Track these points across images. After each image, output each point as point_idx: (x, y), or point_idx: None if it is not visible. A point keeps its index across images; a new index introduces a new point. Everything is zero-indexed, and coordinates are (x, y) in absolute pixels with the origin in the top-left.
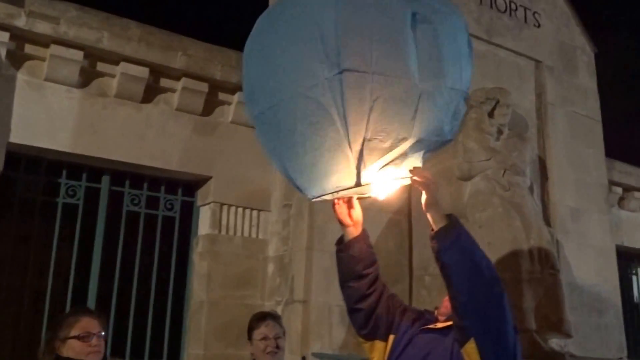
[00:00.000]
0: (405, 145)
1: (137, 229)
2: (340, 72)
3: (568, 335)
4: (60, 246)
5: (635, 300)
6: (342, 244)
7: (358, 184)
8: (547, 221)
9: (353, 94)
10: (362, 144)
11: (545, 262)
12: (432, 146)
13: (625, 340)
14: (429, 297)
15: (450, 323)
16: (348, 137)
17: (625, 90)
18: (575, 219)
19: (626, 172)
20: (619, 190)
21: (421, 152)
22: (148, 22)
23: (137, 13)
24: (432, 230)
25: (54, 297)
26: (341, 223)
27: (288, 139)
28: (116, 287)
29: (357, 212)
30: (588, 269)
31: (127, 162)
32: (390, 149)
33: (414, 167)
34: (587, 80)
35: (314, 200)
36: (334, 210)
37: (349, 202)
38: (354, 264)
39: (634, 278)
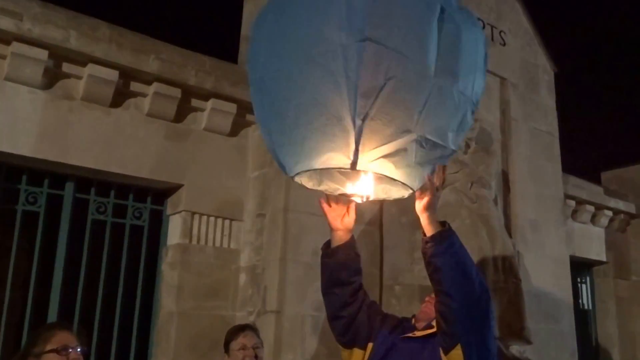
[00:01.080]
0: (407, 139)
1: (103, 239)
2: (363, 40)
3: (528, 342)
4: (19, 256)
5: (583, 307)
6: (328, 249)
7: (354, 163)
8: (509, 232)
9: (369, 65)
10: (364, 119)
11: (509, 271)
12: (433, 158)
13: (577, 346)
14: (399, 306)
15: (429, 332)
16: (355, 108)
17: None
18: (535, 230)
19: (579, 186)
20: (572, 203)
21: (422, 166)
22: (119, 24)
23: (107, 13)
24: (425, 234)
25: (12, 309)
26: (331, 226)
27: (282, 108)
28: (79, 298)
29: (351, 218)
30: (545, 278)
31: (93, 169)
32: (391, 138)
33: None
34: (547, 98)
35: (295, 177)
36: (324, 210)
37: (347, 207)
38: (339, 271)
39: (583, 287)
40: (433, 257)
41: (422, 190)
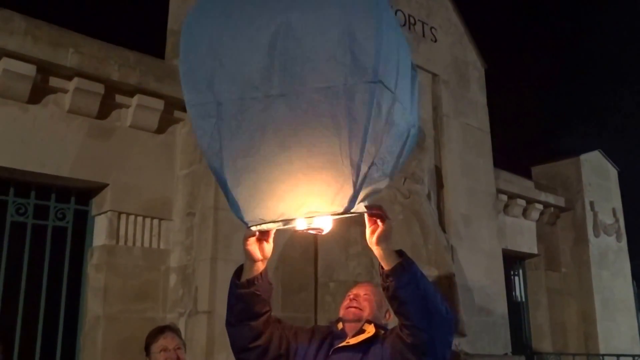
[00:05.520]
0: (386, 181)
1: (24, 241)
2: (376, 82)
3: (462, 335)
4: None
5: (516, 299)
6: (242, 280)
7: (348, 209)
8: (442, 227)
9: (377, 110)
10: (370, 165)
11: (441, 265)
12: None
13: (509, 337)
14: (334, 303)
15: (363, 337)
16: (362, 153)
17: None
18: (467, 225)
19: (510, 181)
20: (504, 197)
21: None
22: (34, 16)
23: (21, 5)
24: (383, 267)
25: None
26: (252, 258)
27: (252, 146)
28: None
29: (271, 246)
30: (478, 271)
31: (10, 168)
32: (378, 181)
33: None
34: (478, 94)
35: (255, 228)
36: (246, 245)
37: (264, 235)
38: (255, 303)
39: (516, 279)
40: (397, 290)
41: (373, 220)
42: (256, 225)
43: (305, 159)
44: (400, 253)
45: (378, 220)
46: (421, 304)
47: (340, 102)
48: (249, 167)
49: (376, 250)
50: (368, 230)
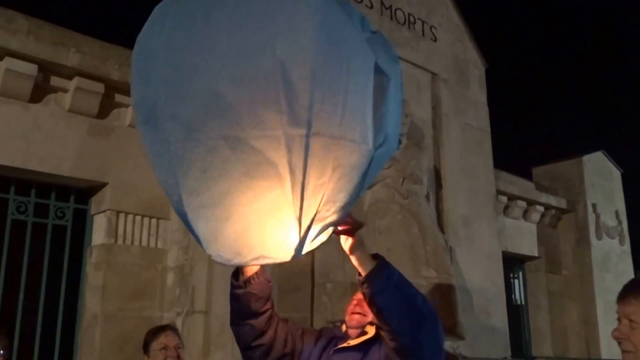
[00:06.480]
0: (345, 212)
1: (24, 239)
2: (309, 136)
3: (461, 337)
4: None
5: (516, 302)
6: (240, 280)
7: (295, 256)
8: (441, 228)
9: (317, 162)
10: (312, 221)
11: (440, 267)
12: None
13: (509, 340)
14: (330, 304)
15: (364, 338)
16: (301, 208)
17: (510, 103)
18: (467, 226)
19: (510, 182)
20: (504, 198)
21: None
22: (37, 16)
23: (24, 5)
24: (360, 274)
25: None
26: None
27: (201, 184)
28: None
29: None
30: (478, 273)
31: (11, 167)
32: (332, 217)
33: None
34: (478, 93)
35: (220, 262)
36: None
37: None
38: (252, 302)
39: (516, 282)
40: (373, 296)
41: (345, 229)
42: (216, 260)
43: (253, 203)
44: (374, 257)
45: (345, 234)
46: (400, 308)
47: (280, 152)
48: (203, 204)
49: (352, 259)
50: (342, 240)
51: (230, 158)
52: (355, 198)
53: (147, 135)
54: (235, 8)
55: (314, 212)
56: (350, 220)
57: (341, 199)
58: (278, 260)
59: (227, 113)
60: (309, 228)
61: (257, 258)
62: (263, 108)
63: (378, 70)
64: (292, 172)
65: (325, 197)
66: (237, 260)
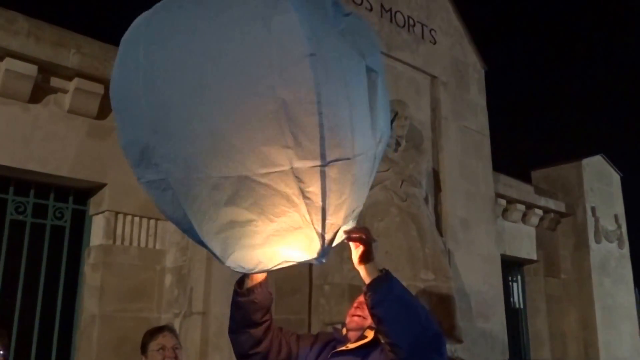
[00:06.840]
0: (357, 214)
1: (22, 239)
2: (324, 165)
3: (459, 341)
4: None
5: (514, 305)
6: (243, 288)
7: (319, 263)
8: (440, 231)
9: (335, 186)
10: (335, 234)
11: (439, 270)
12: None
13: (507, 343)
14: (328, 306)
15: (363, 342)
16: (323, 227)
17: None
18: (465, 229)
19: (509, 185)
20: (503, 202)
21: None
22: (37, 17)
23: (25, 5)
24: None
25: None
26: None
27: (212, 212)
28: None
29: None
30: (476, 276)
31: (10, 167)
32: (350, 221)
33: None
34: (477, 96)
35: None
36: None
37: None
38: (253, 311)
39: (514, 285)
40: (373, 308)
41: (356, 241)
42: (237, 270)
43: (270, 224)
44: (382, 271)
45: (359, 243)
46: (399, 322)
47: (290, 183)
48: (216, 229)
49: (360, 271)
50: (353, 252)
51: (237, 193)
52: (365, 196)
53: (142, 177)
54: (215, 33)
55: (337, 227)
56: (365, 231)
57: (359, 205)
58: (302, 261)
59: (228, 153)
60: (332, 240)
61: (279, 264)
62: (267, 145)
63: (367, 69)
64: (306, 199)
65: (346, 211)
66: (259, 268)
